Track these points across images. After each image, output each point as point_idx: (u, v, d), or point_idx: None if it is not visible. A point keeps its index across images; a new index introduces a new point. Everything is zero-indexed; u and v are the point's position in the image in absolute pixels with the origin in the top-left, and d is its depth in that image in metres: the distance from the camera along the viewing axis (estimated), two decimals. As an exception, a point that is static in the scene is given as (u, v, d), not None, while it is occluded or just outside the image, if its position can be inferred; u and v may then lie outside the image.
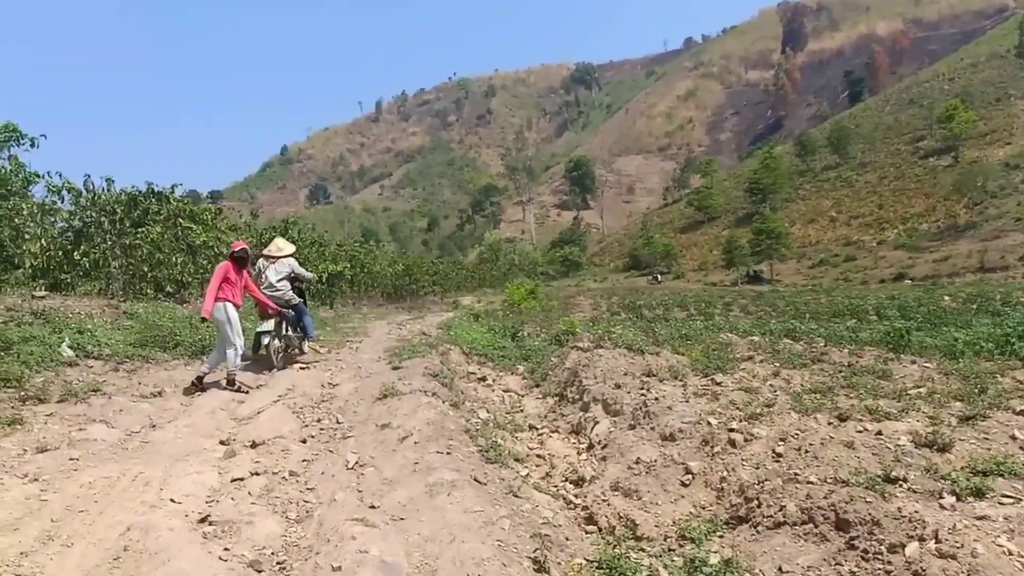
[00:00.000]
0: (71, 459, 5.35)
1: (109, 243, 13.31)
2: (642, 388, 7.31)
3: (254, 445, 5.94)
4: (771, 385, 7.44)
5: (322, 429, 6.59)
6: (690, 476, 5.21)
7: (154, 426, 6.42)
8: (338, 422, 6.81)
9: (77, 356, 8.38)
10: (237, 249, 8.30)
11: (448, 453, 5.28)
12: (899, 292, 33.23)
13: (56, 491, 4.68)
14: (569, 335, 12.11)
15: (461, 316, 18.49)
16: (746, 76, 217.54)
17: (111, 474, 4.99)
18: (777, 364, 8.62)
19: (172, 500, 4.56)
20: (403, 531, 4.12)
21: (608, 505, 5.02)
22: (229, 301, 7.91)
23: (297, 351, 10.15)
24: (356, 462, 5.42)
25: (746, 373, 7.95)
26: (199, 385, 7.70)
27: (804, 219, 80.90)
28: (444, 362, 9.36)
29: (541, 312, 22.57)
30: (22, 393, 6.74)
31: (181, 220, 15.01)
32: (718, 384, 7.35)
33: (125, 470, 5.08)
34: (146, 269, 14.22)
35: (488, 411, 7.73)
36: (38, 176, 13.28)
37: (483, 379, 9.79)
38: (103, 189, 13.91)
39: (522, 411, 8.17)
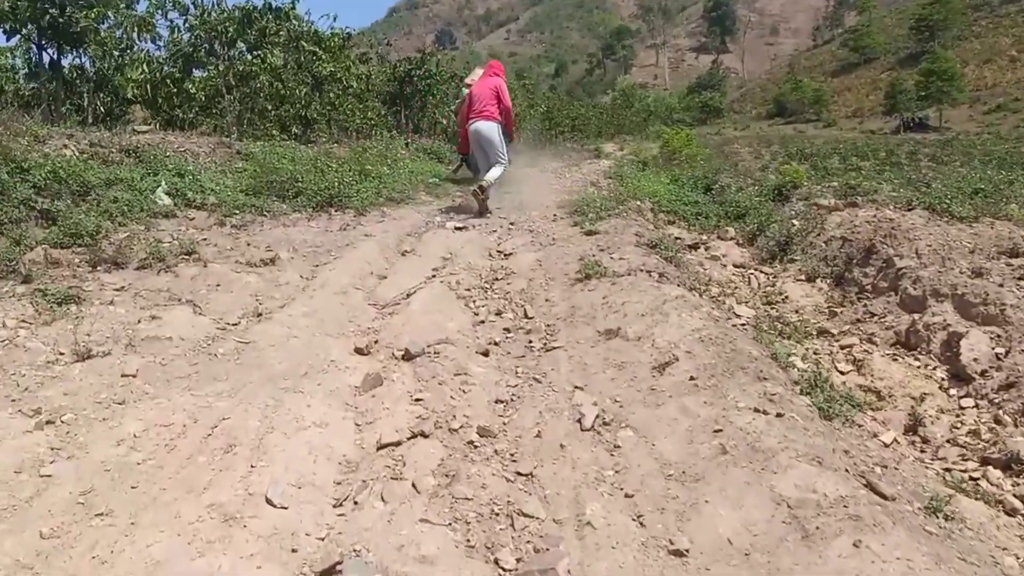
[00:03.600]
0: (123, 376, 3.26)
1: (221, 70, 11.17)
2: (1020, 278, 4.42)
3: (408, 356, 3.65)
4: None
5: (506, 330, 4.18)
6: None
7: (259, 315, 4.25)
8: (527, 316, 4.40)
9: (176, 205, 6.40)
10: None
11: (778, 415, 2.73)
12: None
13: (73, 455, 2.57)
14: (792, 188, 9.09)
15: (626, 163, 15.51)
16: None
17: (174, 419, 2.84)
18: None
19: (269, 501, 2.32)
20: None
21: None
22: (479, 120, 7.85)
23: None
24: (597, 418, 2.96)
25: None
26: (482, 193, 7.46)
27: (979, 59, 69.13)
28: (655, 224, 6.70)
29: (707, 160, 19.16)
30: (94, 255, 4.78)
31: (304, 43, 12.58)
32: None
33: (199, 409, 2.92)
34: (270, 107, 12.10)
35: (738, 302, 5.12)
36: (137, -14, 11.12)
37: (695, 247, 7.10)
38: (213, 4, 11.65)
39: (784, 301, 5.46)
